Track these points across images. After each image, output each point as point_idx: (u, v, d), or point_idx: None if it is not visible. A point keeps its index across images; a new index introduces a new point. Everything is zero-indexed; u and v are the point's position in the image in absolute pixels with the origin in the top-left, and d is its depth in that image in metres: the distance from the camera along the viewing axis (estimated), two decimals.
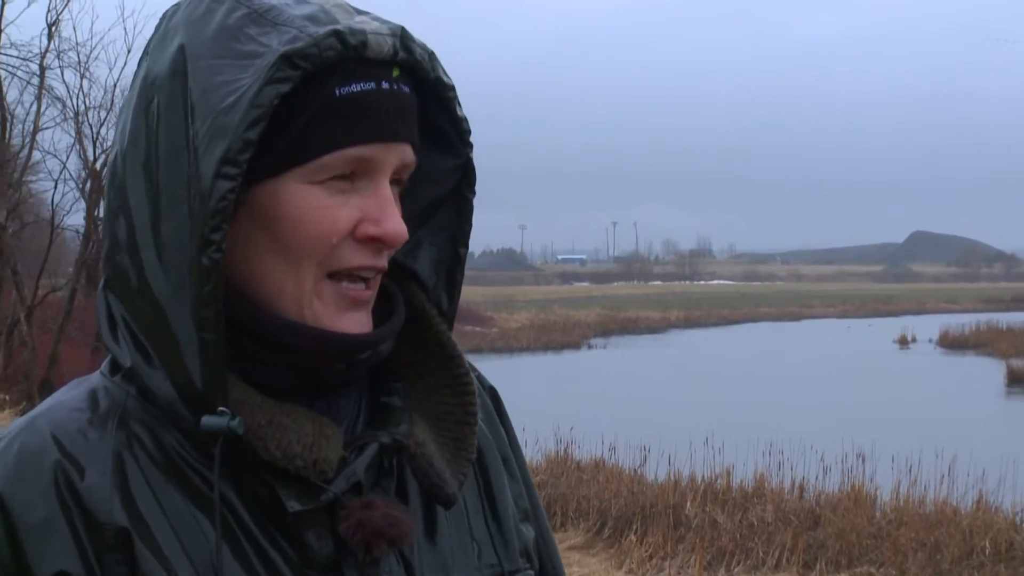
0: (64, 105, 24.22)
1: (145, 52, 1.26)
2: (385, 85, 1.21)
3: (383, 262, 1.24)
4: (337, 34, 1.16)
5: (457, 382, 1.34)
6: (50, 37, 23.08)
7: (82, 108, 24.31)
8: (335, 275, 1.22)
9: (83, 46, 24.43)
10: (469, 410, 1.33)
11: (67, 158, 24.74)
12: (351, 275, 1.22)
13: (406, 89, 1.23)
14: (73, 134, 24.60)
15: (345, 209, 1.20)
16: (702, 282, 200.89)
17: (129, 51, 23.92)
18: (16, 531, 1.14)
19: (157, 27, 1.26)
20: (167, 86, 1.19)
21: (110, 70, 27.53)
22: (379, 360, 1.29)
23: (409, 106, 1.24)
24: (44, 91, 23.44)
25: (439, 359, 1.34)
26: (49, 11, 22.95)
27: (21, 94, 24.02)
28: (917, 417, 23.79)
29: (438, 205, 1.36)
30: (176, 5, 1.26)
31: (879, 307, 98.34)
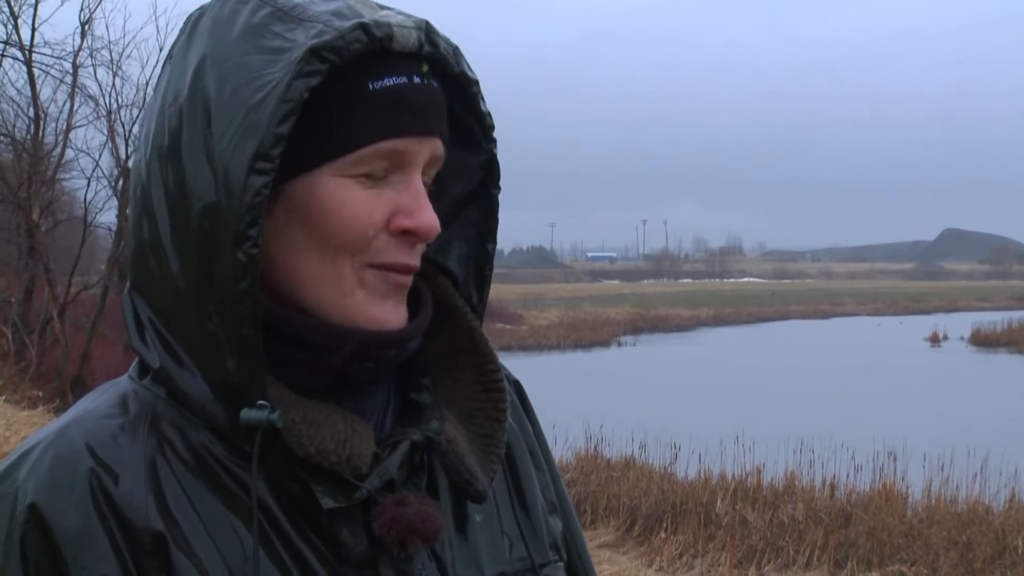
0: (97, 103, 24.39)
1: (169, 56, 1.26)
2: (417, 80, 1.21)
3: (417, 261, 1.25)
4: (363, 27, 1.16)
5: (488, 378, 1.34)
6: (83, 36, 23.24)
7: (114, 106, 24.46)
8: (374, 266, 1.22)
9: (116, 44, 24.94)
10: (499, 407, 1.33)
11: (100, 156, 24.90)
12: (388, 268, 1.23)
13: (435, 84, 1.24)
14: (106, 132, 24.75)
15: (380, 201, 1.20)
16: (732, 280, 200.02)
17: (161, 49, 24.03)
18: (55, 541, 1.14)
19: (181, 31, 1.26)
20: (189, 89, 1.19)
21: (142, 68, 27.81)
22: (406, 357, 1.29)
23: (440, 101, 1.25)
24: (77, 89, 23.61)
25: (470, 355, 1.34)
26: (82, 10, 23.12)
27: (54, 92, 24.16)
28: (948, 415, 23.67)
29: (465, 202, 1.37)
30: (201, 8, 1.26)
31: (910, 305, 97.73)
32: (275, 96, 1.13)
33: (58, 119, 24.26)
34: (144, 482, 1.17)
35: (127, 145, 24.38)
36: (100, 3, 23.28)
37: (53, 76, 23.52)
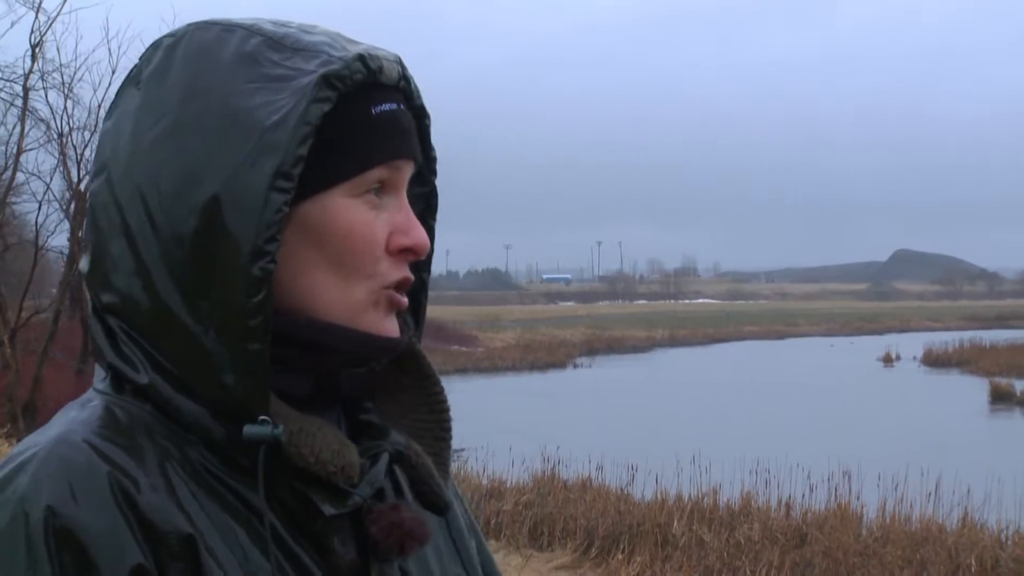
0: (48, 126, 24.23)
1: (135, 82, 1.28)
2: (402, 107, 1.29)
3: (411, 274, 1.31)
4: (362, 59, 1.24)
5: (434, 399, 1.39)
6: (33, 58, 23.05)
7: (66, 129, 24.32)
8: (387, 287, 1.28)
9: (67, 67, 24.27)
10: (445, 426, 1.38)
11: (51, 179, 24.76)
12: (396, 286, 1.29)
13: (409, 113, 1.31)
14: (57, 155, 24.60)
15: (379, 222, 1.26)
16: (687, 301, 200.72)
17: (114, 72, 23.91)
18: (81, 542, 1.10)
19: (147, 57, 1.28)
20: (178, 115, 1.22)
21: (94, 91, 27.42)
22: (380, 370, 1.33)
23: (413, 127, 1.32)
24: (28, 112, 23.43)
25: (413, 377, 1.38)
26: (33, 32, 22.95)
27: (4, 115, 23.97)
28: (902, 435, 23.88)
29: None
30: (172, 35, 1.28)
31: (863, 325, 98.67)
32: (294, 118, 1.19)
33: (8, 142, 24.08)
34: (162, 488, 1.16)
35: (79, 168, 24.26)
36: (51, 26, 22.98)
37: (3, 99, 23.38)
